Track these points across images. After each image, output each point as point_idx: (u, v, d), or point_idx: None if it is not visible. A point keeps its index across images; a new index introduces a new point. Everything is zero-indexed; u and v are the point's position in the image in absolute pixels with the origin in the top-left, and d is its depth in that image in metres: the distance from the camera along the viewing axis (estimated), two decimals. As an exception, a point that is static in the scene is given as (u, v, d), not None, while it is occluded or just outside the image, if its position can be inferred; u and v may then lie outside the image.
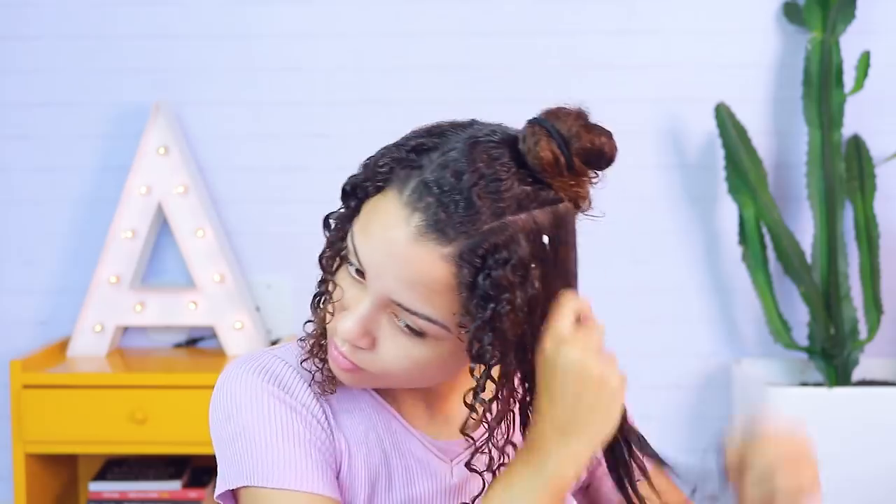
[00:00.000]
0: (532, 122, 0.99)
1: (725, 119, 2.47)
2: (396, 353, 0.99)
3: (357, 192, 1.03)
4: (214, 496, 1.06)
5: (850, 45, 2.48)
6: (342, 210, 1.05)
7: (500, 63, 2.59)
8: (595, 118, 1.03)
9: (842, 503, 2.30)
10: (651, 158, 2.59)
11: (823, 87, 2.45)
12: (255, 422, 1.02)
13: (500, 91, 2.57)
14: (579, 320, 0.97)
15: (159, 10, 2.59)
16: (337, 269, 1.02)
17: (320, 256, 1.05)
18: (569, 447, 0.95)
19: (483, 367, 0.96)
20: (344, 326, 0.99)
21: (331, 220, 1.06)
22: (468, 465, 1.02)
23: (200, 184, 2.55)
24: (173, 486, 2.40)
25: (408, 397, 1.10)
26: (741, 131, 2.48)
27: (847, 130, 2.51)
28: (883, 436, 2.29)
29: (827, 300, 2.43)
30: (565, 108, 0.99)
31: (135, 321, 2.51)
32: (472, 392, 0.98)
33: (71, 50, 2.59)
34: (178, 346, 2.61)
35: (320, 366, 1.05)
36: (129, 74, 2.60)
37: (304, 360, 1.06)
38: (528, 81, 2.57)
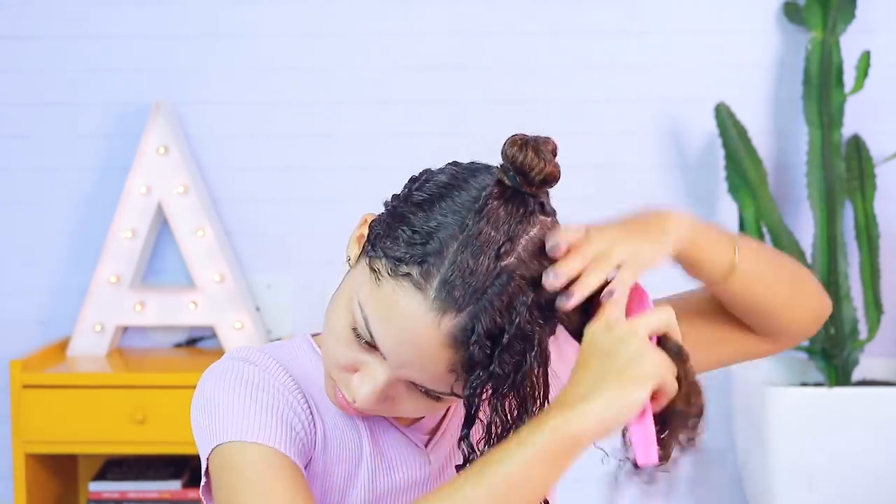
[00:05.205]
0: (522, 142, 0.97)
1: (725, 119, 2.47)
2: (414, 407, 1.02)
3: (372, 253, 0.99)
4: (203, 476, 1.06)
5: (850, 45, 2.48)
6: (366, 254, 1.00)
7: (499, 63, 2.58)
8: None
9: (842, 503, 2.30)
10: (651, 158, 2.59)
11: (823, 87, 2.45)
12: (228, 389, 1.02)
13: (499, 91, 2.57)
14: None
15: (159, 10, 2.59)
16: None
17: None
18: (589, 405, 0.92)
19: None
20: (361, 396, 0.99)
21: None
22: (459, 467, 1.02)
23: (200, 184, 2.55)
24: (173, 486, 2.40)
25: None
26: (741, 131, 2.48)
27: (847, 130, 2.51)
28: (883, 436, 2.29)
29: (827, 300, 2.42)
30: (522, 137, 0.99)
31: (135, 321, 2.51)
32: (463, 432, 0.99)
33: (71, 50, 2.59)
34: (178, 346, 2.61)
35: None
36: (129, 74, 2.59)
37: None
38: (528, 81, 2.57)
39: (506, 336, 0.93)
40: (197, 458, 2.70)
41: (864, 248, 2.46)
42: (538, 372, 0.97)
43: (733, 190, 2.48)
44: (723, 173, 2.52)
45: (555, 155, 0.98)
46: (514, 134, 0.98)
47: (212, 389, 1.03)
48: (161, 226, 2.58)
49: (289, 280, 2.62)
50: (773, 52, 2.59)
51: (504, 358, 0.93)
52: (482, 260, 0.93)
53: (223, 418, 1.01)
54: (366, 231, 1.03)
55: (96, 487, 2.41)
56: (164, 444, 2.30)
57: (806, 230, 2.55)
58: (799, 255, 2.43)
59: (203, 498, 1.07)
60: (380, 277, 0.96)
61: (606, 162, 2.56)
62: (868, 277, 2.45)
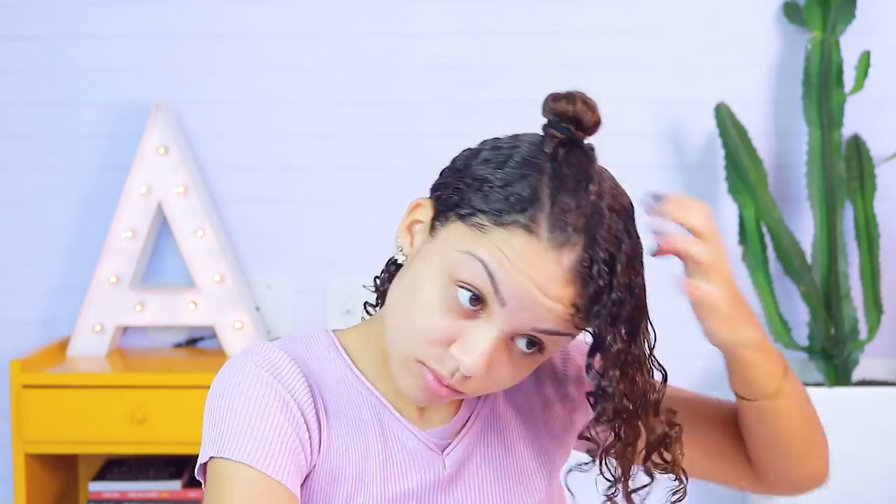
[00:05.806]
0: (568, 96, 1.04)
1: (725, 119, 2.47)
2: (509, 372, 1.02)
3: (461, 211, 1.01)
4: (196, 473, 1.06)
5: (850, 45, 2.48)
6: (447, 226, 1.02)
7: (500, 63, 2.59)
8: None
9: (842, 503, 2.30)
10: (651, 158, 2.59)
11: (823, 87, 2.45)
12: (239, 400, 1.02)
13: (500, 91, 2.57)
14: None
15: (159, 10, 2.59)
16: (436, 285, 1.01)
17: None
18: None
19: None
20: (471, 360, 0.99)
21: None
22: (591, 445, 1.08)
23: (200, 184, 2.55)
24: (173, 486, 2.40)
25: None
26: (741, 131, 2.48)
27: (847, 130, 2.51)
28: (883, 436, 2.29)
29: (827, 300, 2.43)
30: (566, 92, 1.06)
31: (135, 321, 2.51)
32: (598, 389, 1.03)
33: (71, 50, 2.59)
34: (178, 346, 2.61)
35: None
36: (129, 74, 2.60)
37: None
38: (528, 81, 2.57)
39: (618, 264, 0.98)
40: (196, 459, 2.68)
41: (864, 248, 2.46)
42: (644, 296, 1.05)
43: (733, 190, 2.48)
44: (723, 173, 2.52)
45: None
46: (551, 92, 1.04)
47: (227, 394, 1.04)
48: (161, 226, 2.58)
49: (289, 280, 2.62)
50: (772, 52, 2.58)
51: (620, 282, 0.99)
52: (577, 197, 0.99)
53: (228, 430, 1.01)
54: (419, 215, 1.04)
55: (96, 487, 2.41)
56: (164, 444, 2.30)
57: (806, 230, 2.55)
58: (799, 255, 2.43)
59: (199, 476, 1.07)
60: (484, 229, 0.98)
61: (606, 162, 2.56)
62: (868, 277, 2.45)
